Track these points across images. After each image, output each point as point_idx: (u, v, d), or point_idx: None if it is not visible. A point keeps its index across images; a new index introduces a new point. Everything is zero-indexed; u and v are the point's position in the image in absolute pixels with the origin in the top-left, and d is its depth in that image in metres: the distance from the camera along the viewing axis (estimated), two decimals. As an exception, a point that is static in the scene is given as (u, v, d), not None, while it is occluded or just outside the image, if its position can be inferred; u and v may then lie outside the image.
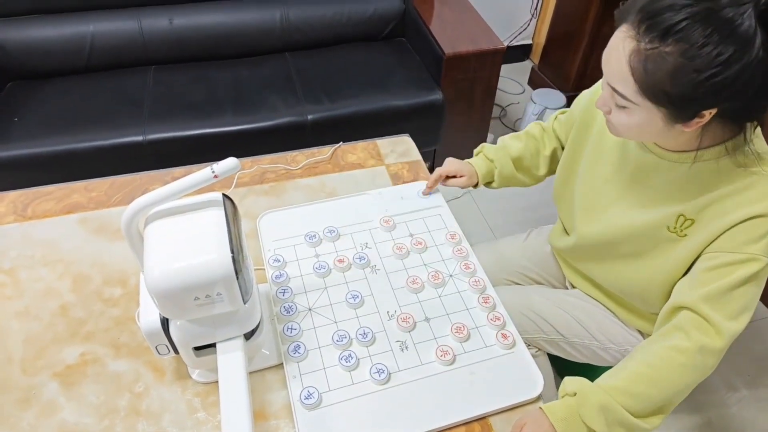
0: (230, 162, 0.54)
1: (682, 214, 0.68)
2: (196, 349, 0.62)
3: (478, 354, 0.71)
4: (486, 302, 0.77)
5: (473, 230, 1.72)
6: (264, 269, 0.81)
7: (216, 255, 0.52)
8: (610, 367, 0.91)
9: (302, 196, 0.96)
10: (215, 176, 0.54)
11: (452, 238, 0.86)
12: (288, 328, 0.71)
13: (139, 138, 1.38)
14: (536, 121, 0.97)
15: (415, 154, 1.05)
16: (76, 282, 0.80)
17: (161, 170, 1.01)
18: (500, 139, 0.98)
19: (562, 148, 0.93)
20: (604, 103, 0.65)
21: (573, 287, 0.95)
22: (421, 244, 0.85)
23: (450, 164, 0.94)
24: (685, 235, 0.68)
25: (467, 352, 0.71)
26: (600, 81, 0.81)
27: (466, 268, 0.81)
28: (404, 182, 0.99)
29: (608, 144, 0.78)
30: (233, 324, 0.59)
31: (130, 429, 0.62)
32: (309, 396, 0.64)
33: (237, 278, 0.53)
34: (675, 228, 0.69)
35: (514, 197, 1.83)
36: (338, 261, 0.81)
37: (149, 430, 0.62)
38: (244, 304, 0.57)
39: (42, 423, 0.63)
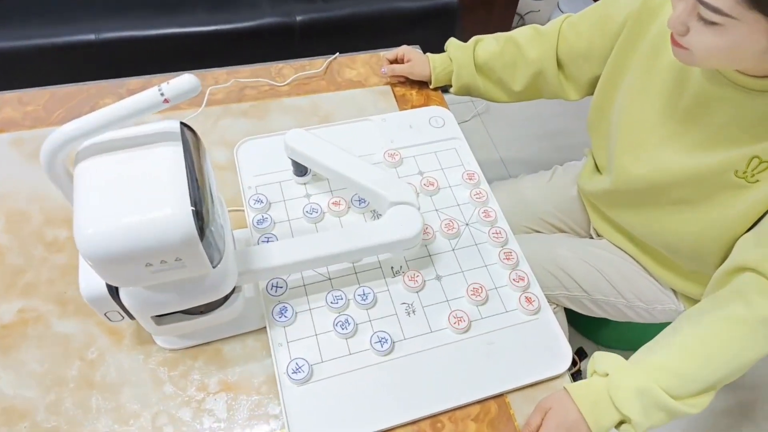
0: (185, 81, 0.40)
1: (756, 156, 0.57)
2: (158, 316, 0.52)
3: (497, 320, 0.62)
4: (508, 258, 0.67)
5: (481, 163, 1.59)
6: (243, 210, 0.69)
7: (172, 210, 0.40)
8: (629, 324, 0.87)
9: (290, 120, 0.81)
10: (165, 100, 0.40)
11: (470, 179, 0.74)
12: (272, 286, 0.61)
13: (91, 36, 1.18)
14: (533, 24, 0.82)
15: (427, 72, 0.90)
16: (10, 220, 0.68)
17: (114, 80, 0.85)
18: (476, 38, 0.84)
19: (559, 65, 0.79)
20: (679, 22, 0.51)
21: (599, 236, 0.86)
22: (432, 184, 0.73)
23: (403, 47, 0.87)
24: (757, 180, 0.58)
25: (484, 317, 0.62)
26: None
27: (485, 216, 0.70)
28: (413, 106, 0.85)
29: (662, 64, 0.64)
30: (202, 290, 0.49)
31: (82, 404, 0.54)
32: (298, 369, 0.55)
33: (202, 239, 0.41)
34: (745, 172, 0.58)
35: (531, 122, 1.67)
36: (333, 203, 0.69)
37: (105, 407, 0.54)
38: (214, 267, 0.46)
39: (-28, 397, 0.54)
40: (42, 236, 0.66)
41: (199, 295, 0.49)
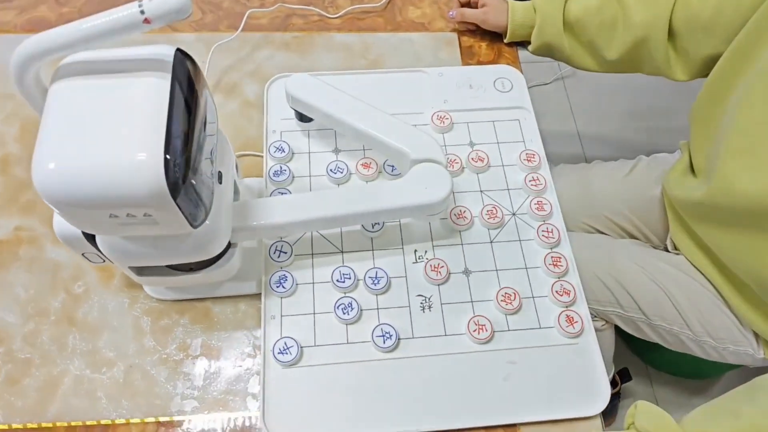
0: (168, -2, 0.32)
1: None
2: (138, 267, 0.48)
3: (527, 336, 0.54)
4: (555, 264, 0.57)
5: (553, 135, 1.44)
6: (262, 157, 0.63)
7: (140, 156, 0.34)
8: (689, 356, 0.75)
9: (335, 60, 0.73)
10: (146, 20, 0.33)
11: (529, 161, 0.64)
12: (276, 250, 0.56)
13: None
14: None
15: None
16: (24, 129, 0.65)
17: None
18: None
19: (670, 35, 0.65)
20: None
21: (676, 251, 0.73)
22: (482, 160, 0.63)
23: None
24: None
25: (512, 330, 0.54)
26: None
27: (538, 209, 0.60)
28: (479, 62, 0.74)
29: None
30: (184, 248, 0.43)
31: (59, 341, 0.52)
32: (285, 350, 0.50)
33: (176, 195, 0.35)
34: None
35: (622, 96, 1.47)
36: (363, 165, 0.62)
37: (81, 348, 0.52)
38: (195, 228, 0.40)
39: (-46, 311, 0.53)
40: (51, 152, 0.63)
41: (181, 254, 0.44)
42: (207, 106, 0.41)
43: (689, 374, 1.06)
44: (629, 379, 0.94)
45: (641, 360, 1.08)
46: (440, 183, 0.52)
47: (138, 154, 0.34)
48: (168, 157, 0.34)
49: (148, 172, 0.34)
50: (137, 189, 0.34)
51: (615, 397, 0.95)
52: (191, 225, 0.39)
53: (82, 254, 0.46)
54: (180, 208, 0.36)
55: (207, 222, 0.42)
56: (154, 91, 0.36)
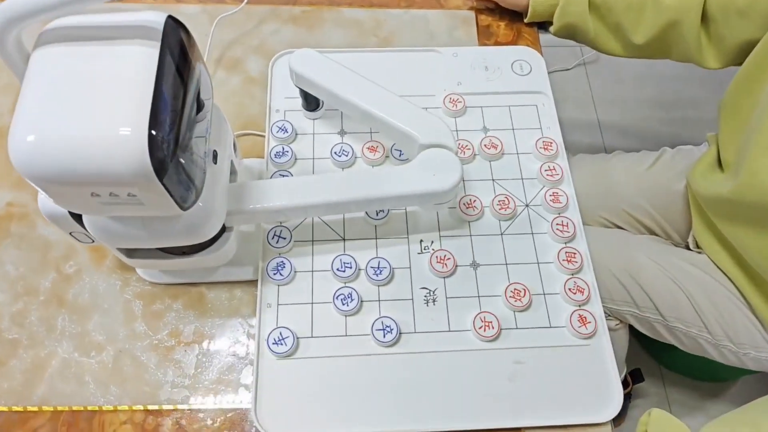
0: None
1: None
2: (127, 249, 0.46)
3: (536, 335, 0.51)
4: (569, 260, 0.54)
5: (572, 123, 1.39)
6: (264, 136, 0.60)
7: (122, 130, 0.32)
8: (705, 358, 0.72)
9: (343, 37, 0.70)
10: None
11: (546, 149, 0.60)
12: (274, 236, 0.53)
13: None
14: None
15: (525, 1, 0.73)
16: (20, 101, 0.63)
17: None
18: None
19: (703, 19, 0.62)
20: None
21: (698, 249, 0.70)
22: (495, 147, 0.60)
23: None
24: None
25: (520, 328, 0.51)
26: None
27: (553, 201, 0.57)
28: (497, 43, 0.70)
29: None
30: (174, 231, 0.41)
31: (48, 322, 0.50)
32: (280, 341, 0.48)
33: (163, 174, 0.33)
34: None
35: (648, 83, 1.42)
36: (369, 149, 0.59)
37: (70, 330, 0.50)
38: (184, 210, 0.38)
39: (-58, 288, 0.52)
40: (47, 125, 0.61)
41: (171, 237, 0.42)
42: (201, 80, 0.39)
43: (705, 377, 1.03)
44: (641, 380, 0.91)
45: (654, 360, 1.05)
46: (450, 170, 0.49)
47: (121, 128, 0.32)
48: (153, 132, 0.32)
49: (131, 148, 0.32)
50: (119, 166, 0.32)
51: (626, 398, 0.92)
52: (180, 207, 0.37)
53: (70, 233, 0.45)
54: (167, 189, 0.34)
55: (199, 204, 0.40)
56: (142, 61, 0.34)
